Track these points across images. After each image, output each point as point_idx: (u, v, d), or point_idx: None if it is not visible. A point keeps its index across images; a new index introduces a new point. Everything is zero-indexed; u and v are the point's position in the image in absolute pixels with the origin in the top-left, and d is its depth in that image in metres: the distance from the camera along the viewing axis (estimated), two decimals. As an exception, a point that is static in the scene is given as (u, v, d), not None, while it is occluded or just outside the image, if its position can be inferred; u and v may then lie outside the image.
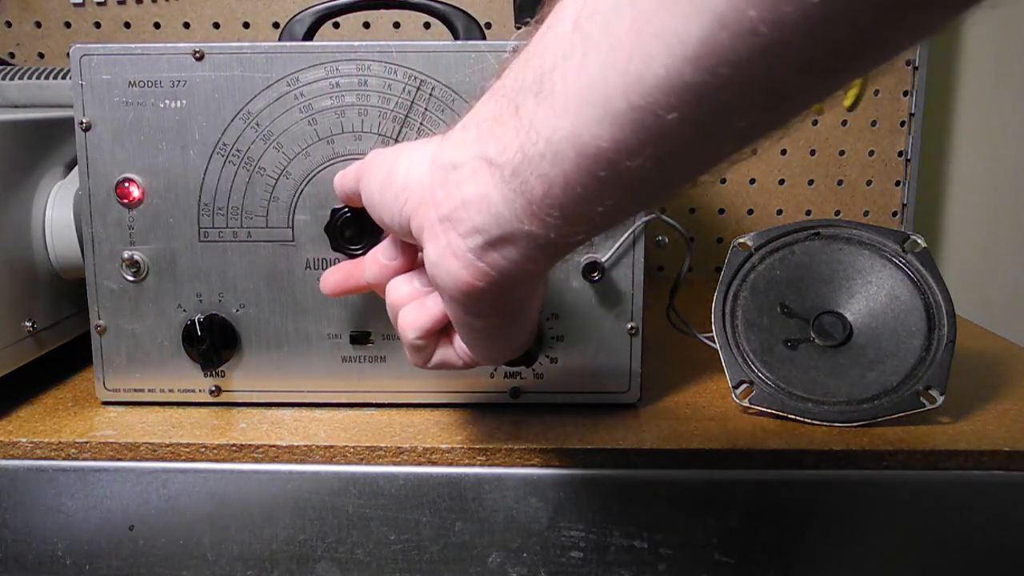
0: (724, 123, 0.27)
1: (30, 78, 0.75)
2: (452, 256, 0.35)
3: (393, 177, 0.39)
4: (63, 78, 0.75)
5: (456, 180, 0.35)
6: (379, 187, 0.40)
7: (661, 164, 0.29)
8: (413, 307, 0.43)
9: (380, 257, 0.45)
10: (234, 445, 0.52)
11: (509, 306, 0.39)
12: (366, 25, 0.92)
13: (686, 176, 0.31)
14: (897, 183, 0.96)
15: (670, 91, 0.26)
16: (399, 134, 0.54)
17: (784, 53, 0.24)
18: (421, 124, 0.54)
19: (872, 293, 0.58)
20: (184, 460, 0.52)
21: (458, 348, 0.44)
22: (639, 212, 0.33)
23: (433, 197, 0.36)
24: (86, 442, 0.52)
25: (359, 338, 0.56)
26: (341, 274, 0.50)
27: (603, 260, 0.55)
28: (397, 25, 0.92)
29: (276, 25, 0.92)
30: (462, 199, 0.34)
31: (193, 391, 0.57)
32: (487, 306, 0.37)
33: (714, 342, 0.59)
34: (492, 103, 0.33)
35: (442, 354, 0.44)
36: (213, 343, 0.55)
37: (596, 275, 0.55)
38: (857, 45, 0.25)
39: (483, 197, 0.33)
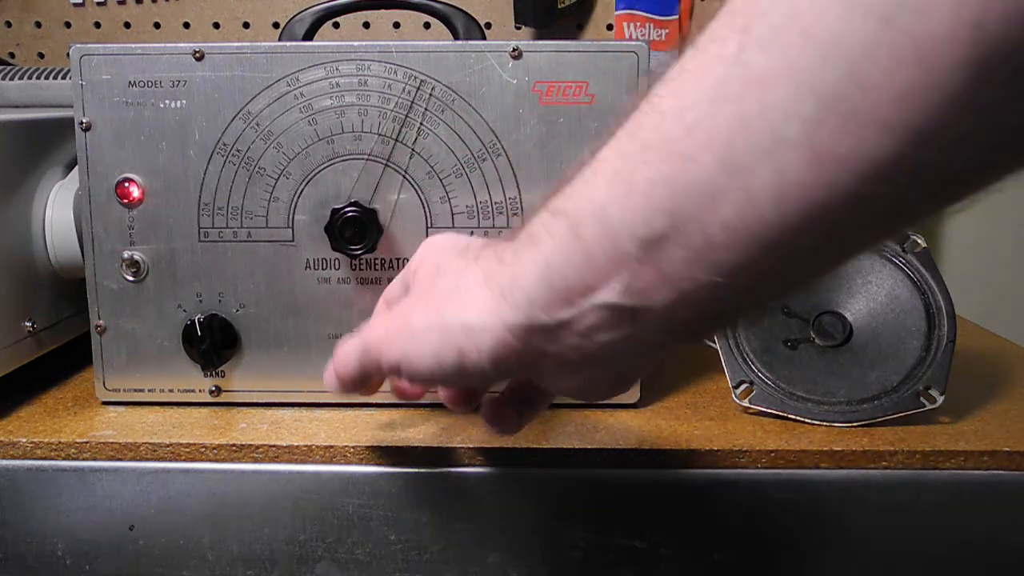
0: (910, 219, 0.27)
1: (30, 78, 0.75)
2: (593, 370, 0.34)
3: (465, 360, 0.34)
4: (63, 78, 0.75)
5: (577, 331, 0.31)
6: (438, 365, 0.35)
7: (831, 262, 0.29)
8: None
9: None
10: (234, 445, 0.52)
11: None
12: (366, 25, 0.92)
13: (849, 260, 0.31)
14: (897, 183, 0.96)
15: (859, 210, 0.26)
16: (399, 134, 0.54)
17: (999, 157, 0.24)
18: (421, 124, 0.54)
19: (872, 293, 0.58)
20: (184, 460, 0.52)
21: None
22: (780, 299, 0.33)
23: (545, 355, 0.33)
24: (86, 442, 0.52)
25: (359, 338, 0.56)
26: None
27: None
28: (397, 25, 0.92)
29: (276, 25, 0.92)
30: (596, 344, 0.32)
31: (193, 391, 0.57)
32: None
33: (714, 342, 0.59)
34: (596, 253, 0.30)
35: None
36: (213, 343, 0.55)
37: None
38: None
39: (625, 338, 0.31)
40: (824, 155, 0.25)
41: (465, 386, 0.39)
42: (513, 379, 0.44)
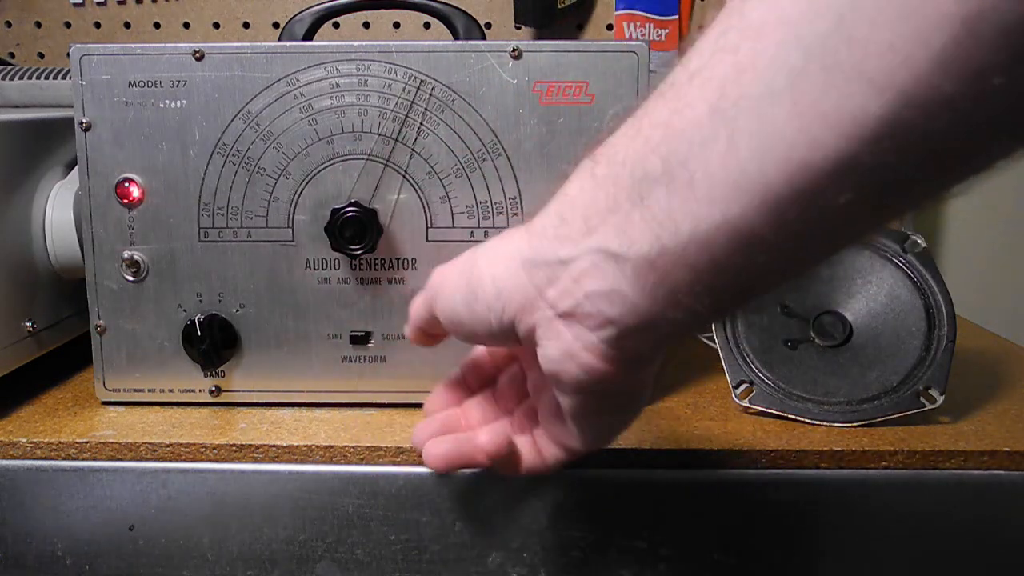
0: (901, 194, 0.26)
1: (30, 78, 0.75)
2: (583, 350, 0.34)
3: (479, 289, 0.37)
4: (63, 78, 0.75)
5: (571, 276, 0.33)
6: (463, 303, 0.38)
7: (828, 239, 0.28)
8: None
9: (479, 413, 0.46)
10: (234, 445, 0.52)
11: (642, 380, 0.38)
12: (366, 25, 0.92)
13: (849, 243, 0.30)
14: (897, 183, 0.96)
15: (844, 174, 0.25)
16: (399, 134, 0.54)
17: (984, 122, 0.23)
18: (421, 124, 0.54)
19: (872, 293, 0.58)
20: (184, 460, 0.52)
21: (549, 446, 0.43)
22: (795, 278, 0.32)
23: (542, 295, 0.34)
24: (86, 442, 0.52)
25: (359, 338, 0.56)
26: (450, 447, 0.44)
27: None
28: (397, 25, 0.92)
29: (276, 25, 0.92)
30: (584, 294, 0.33)
31: (193, 391, 0.57)
32: (618, 388, 0.36)
33: (714, 342, 0.59)
34: (601, 192, 0.32)
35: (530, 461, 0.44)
36: (213, 343, 0.55)
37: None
38: None
39: (612, 290, 0.32)
40: (807, 109, 0.24)
41: (479, 327, 0.39)
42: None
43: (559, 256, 0.33)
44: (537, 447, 0.44)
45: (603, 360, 0.34)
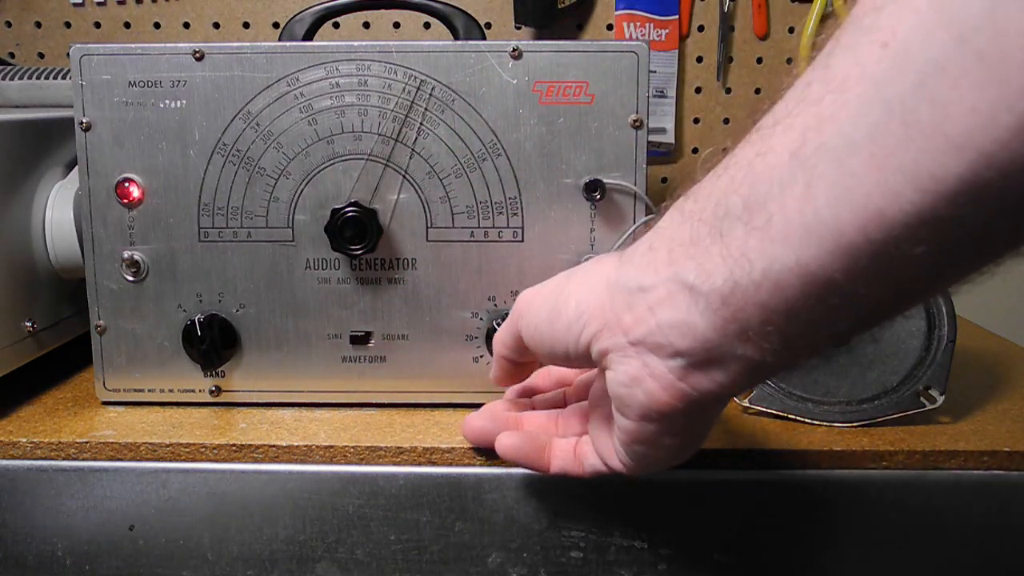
0: (978, 248, 0.26)
1: (30, 78, 0.75)
2: (650, 378, 0.35)
3: (563, 307, 0.38)
4: (63, 78, 0.75)
5: (647, 303, 0.34)
6: (547, 320, 0.40)
7: (901, 289, 0.28)
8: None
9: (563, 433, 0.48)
10: (234, 445, 0.52)
11: (701, 423, 0.38)
12: (366, 25, 0.92)
13: (925, 295, 0.30)
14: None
15: (919, 226, 0.25)
16: (399, 134, 0.54)
17: None
18: (421, 124, 0.54)
19: (872, 293, 0.58)
20: (184, 460, 0.52)
21: (594, 454, 0.44)
22: (871, 329, 0.32)
23: (618, 320, 0.35)
24: (86, 442, 0.52)
25: (359, 338, 0.56)
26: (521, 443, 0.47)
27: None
28: (397, 25, 0.92)
29: (276, 25, 0.92)
30: (656, 323, 0.34)
31: (193, 391, 0.57)
32: (678, 425, 0.37)
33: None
34: (686, 226, 0.32)
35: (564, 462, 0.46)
36: (213, 343, 0.55)
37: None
38: None
39: (684, 322, 0.33)
40: (885, 162, 0.25)
41: (558, 345, 0.40)
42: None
43: (640, 283, 0.34)
44: (578, 453, 0.45)
45: (668, 391, 0.35)
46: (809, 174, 0.27)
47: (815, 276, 0.28)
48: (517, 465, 0.47)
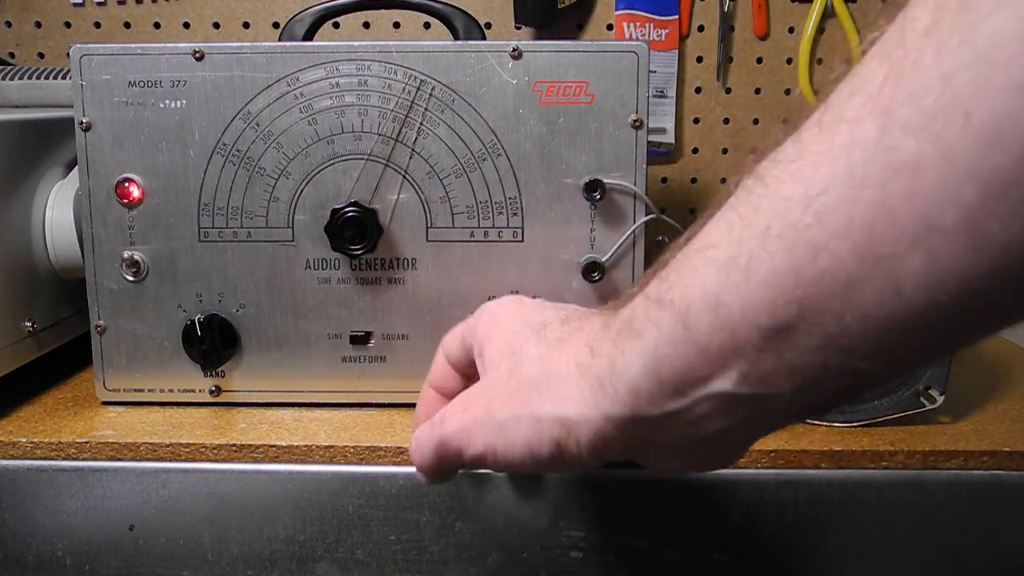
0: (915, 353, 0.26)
1: (30, 78, 0.75)
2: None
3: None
4: (63, 78, 0.75)
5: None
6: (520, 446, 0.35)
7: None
8: None
9: None
10: (234, 445, 0.52)
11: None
12: (366, 25, 0.92)
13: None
14: (897, 183, 0.96)
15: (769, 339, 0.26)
16: (399, 134, 0.54)
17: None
18: (421, 124, 0.54)
19: (872, 293, 0.58)
20: (184, 460, 0.52)
21: None
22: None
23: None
24: (86, 442, 0.52)
25: (359, 338, 0.56)
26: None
27: (603, 260, 0.55)
28: (397, 25, 0.92)
29: (276, 25, 0.92)
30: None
31: (193, 391, 0.57)
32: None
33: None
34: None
35: None
36: (213, 343, 0.55)
37: (596, 275, 0.55)
38: None
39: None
40: (986, 243, 0.23)
41: (557, 471, 0.39)
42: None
43: (666, 410, 0.31)
44: None
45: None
46: (890, 266, 0.26)
47: (903, 353, 0.27)
48: None
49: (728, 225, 0.28)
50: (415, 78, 0.54)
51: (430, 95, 0.54)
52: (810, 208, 0.25)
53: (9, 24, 0.92)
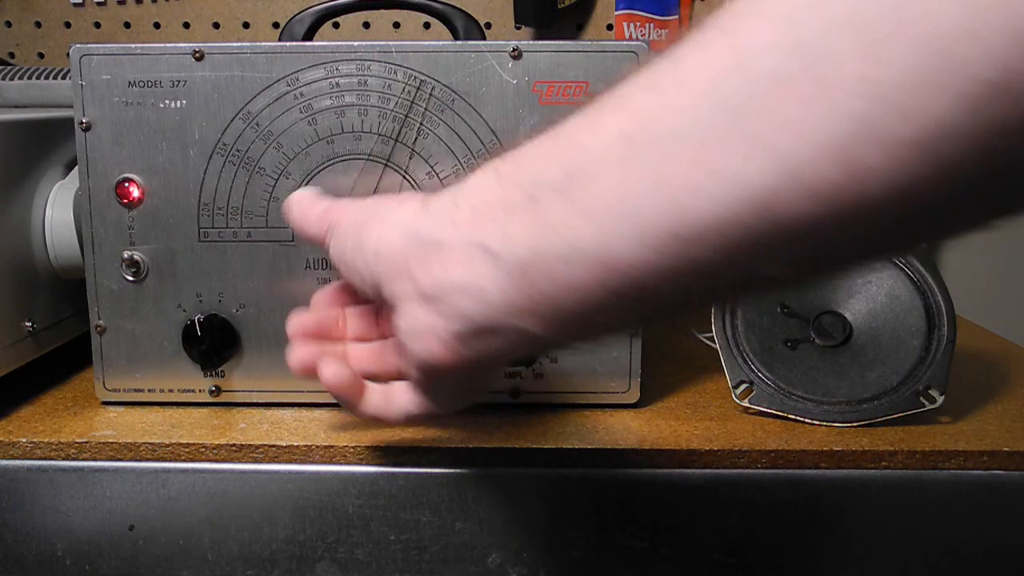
0: (763, 267, 0.26)
1: (30, 78, 0.75)
2: (431, 334, 0.34)
3: (365, 240, 0.37)
4: (63, 78, 0.75)
5: (441, 261, 0.33)
6: (350, 249, 0.39)
7: (686, 290, 0.28)
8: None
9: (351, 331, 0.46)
10: (234, 445, 0.52)
11: (480, 378, 0.39)
12: (366, 25, 0.92)
13: (707, 302, 0.30)
14: (897, 183, 0.96)
15: (718, 229, 0.25)
16: (399, 134, 0.54)
17: (856, 222, 0.24)
18: (421, 124, 0.54)
19: (872, 293, 0.58)
20: (184, 460, 0.52)
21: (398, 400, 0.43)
22: (644, 327, 0.32)
23: (409, 270, 0.35)
24: (86, 442, 0.52)
25: (359, 338, 0.56)
26: (309, 359, 0.45)
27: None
28: (397, 25, 0.92)
29: (276, 25, 0.92)
30: (450, 282, 0.33)
31: (193, 391, 0.57)
32: (456, 378, 0.37)
33: (714, 342, 0.59)
34: (496, 187, 0.32)
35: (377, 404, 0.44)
36: (213, 343, 0.55)
37: (596, 275, 0.55)
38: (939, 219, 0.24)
39: (475, 286, 0.32)
40: (705, 162, 0.25)
41: (355, 276, 0.39)
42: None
43: (438, 238, 0.33)
44: (387, 392, 0.44)
45: (446, 350, 0.34)
46: (634, 158, 0.27)
47: (613, 260, 0.28)
48: (336, 400, 0.45)
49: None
50: (415, 78, 0.54)
51: (430, 95, 0.54)
52: (613, 96, 0.29)
53: (9, 24, 0.93)
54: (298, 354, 0.44)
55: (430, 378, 0.38)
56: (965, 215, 0.25)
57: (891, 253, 0.25)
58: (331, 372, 0.43)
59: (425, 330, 0.35)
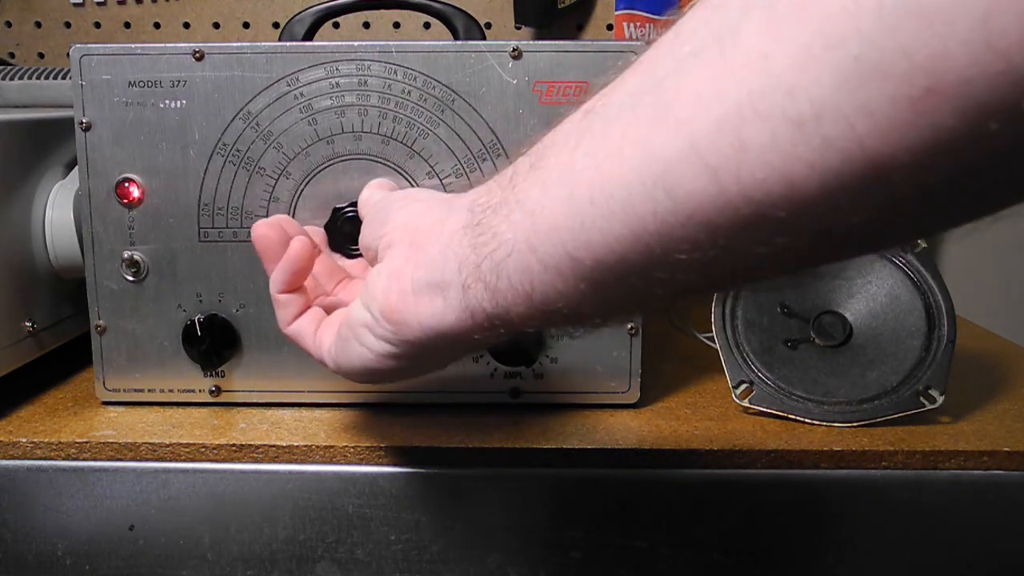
0: (667, 255, 0.26)
1: (30, 78, 0.75)
2: (395, 279, 0.36)
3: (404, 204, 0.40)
4: (63, 78, 0.75)
5: (444, 217, 0.35)
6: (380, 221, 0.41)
7: (613, 271, 0.28)
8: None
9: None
10: (234, 445, 0.52)
11: (426, 358, 0.39)
12: (366, 25, 0.92)
13: (642, 292, 0.30)
14: (897, 183, 0.96)
15: (624, 200, 0.26)
16: (399, 134, 0.54)
17: (748, 209, 0.24)
18: (421, 124, 0.54)
19: (872, 293, 0.58)
20: (184, 460, 0.52)
21: (320, 340, 0.44)
22: (576, 323, 0.32)
23: (417, 224, 0.37)
24: (86, 442, 0.52)
25: (359, 338, 0.56)
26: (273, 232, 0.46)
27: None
28: (397, 25, 0.92)
29: (276, 25, 0.92)
30: (436, 233, 0.35)
31: (193, 391, 0.57)
32: (403, 342, 0.37)
33: (714, 342, 0.59)
34: (497, 174, 0.34)
35: (299, 328, 0.45)
36: (213, 343, 0.55)
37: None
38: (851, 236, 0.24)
39: (449, 237, 0.34)
40: (628, 133, 0.26)
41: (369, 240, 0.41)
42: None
43: (453, 203, 0.36)
44: (319, 333, 0.44)
45: (400, 299, 0.36)
46: (581, 132, 0.28)
47: (542, 220, 0.29)
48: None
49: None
50: (416, 77, 0.54)
51: (428, 96, 0.54)
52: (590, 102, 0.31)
53: (9, 24, 0.93)
54: (260, 230, 0.45)
55: (370, 332, 0.38)
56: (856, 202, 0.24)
57: (792, 258, 0.25)
58: (296, 248, 0.44)
59: (392, 274, 0.36)
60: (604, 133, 0.27)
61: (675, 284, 0.28)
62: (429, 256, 0.35)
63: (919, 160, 0.20)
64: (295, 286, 0.45)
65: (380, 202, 0.42)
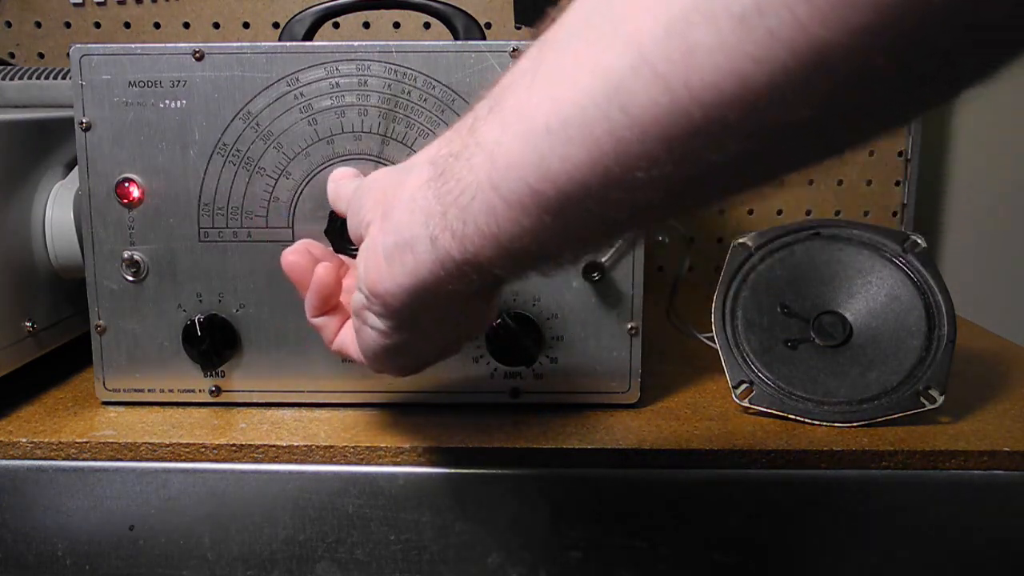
0: (626, 173, 0.26)
1: (30, 78, 0.75)
2: (371, 252, 0.36)
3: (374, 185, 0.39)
4: (63, 78, 0.75)
5: (404, 180, 0.35)
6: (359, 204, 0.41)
7: (562, 197, 0.28)
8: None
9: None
10: (234, 445, 0.52)
11: (413, 318, 0.38)
12: (366, 25, 0.92)
13: (610, 216, 0.30)
14: (897, 183, 0.96)
15: (580, 122, 0.26)
16: (397, 133, 0.54)
17: (702, 115, 0.24)
18: (421, 124, 0.54)
19: (872, 293, 0.58)
20: (184, 460, 0.52)
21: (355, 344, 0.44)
22: (546, 262, 0.32)
23: (384, 196, 0.37)
24: (86, 442, 0.52)
25: (359, 338, 0.56)
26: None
27: (603, 260, 0.55)
28: (397, 25, 0.92)
29: (276, 25, 0.92)
30: (400, 197, 0.35)
31: (193, 391, 0.57)
32: (392, 311, 0.37)
33: (714, 342, 0.59)
34: (456, 123, 0.34)
35: (341, 342, 0.45)
36: (213, 343, 0.55)
37: (596, 275, 0.55)
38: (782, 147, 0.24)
39: (412, 195, 0.34)
40: (581, 56, 0.26)
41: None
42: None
43: (411, 161, 0.36)
44: (342, 337, 0.45)
45: (379, 267, 0.36)
46: (537, 63, 0.28)
47: (501, 158, 0.29)
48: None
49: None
50: (399, 81, 0.54)
51: (413, 103, 0.54)
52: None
53: (9, 24, 0.92)
54: (289, 258, 0.46)
55: (368, 309, 0.38)
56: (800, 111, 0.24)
57: (750, 165, 0.25)
58: (322, 274, 0.45)
59: (370, 246, 0.36)
60: (557, 61, 0.27)
61: (635, 205, 0.28)
62: (395, 221, 0.35)
63: (861, 41, 0.21)
64: (326, 309, 0.46)
65: (355, 192, 0.42)
